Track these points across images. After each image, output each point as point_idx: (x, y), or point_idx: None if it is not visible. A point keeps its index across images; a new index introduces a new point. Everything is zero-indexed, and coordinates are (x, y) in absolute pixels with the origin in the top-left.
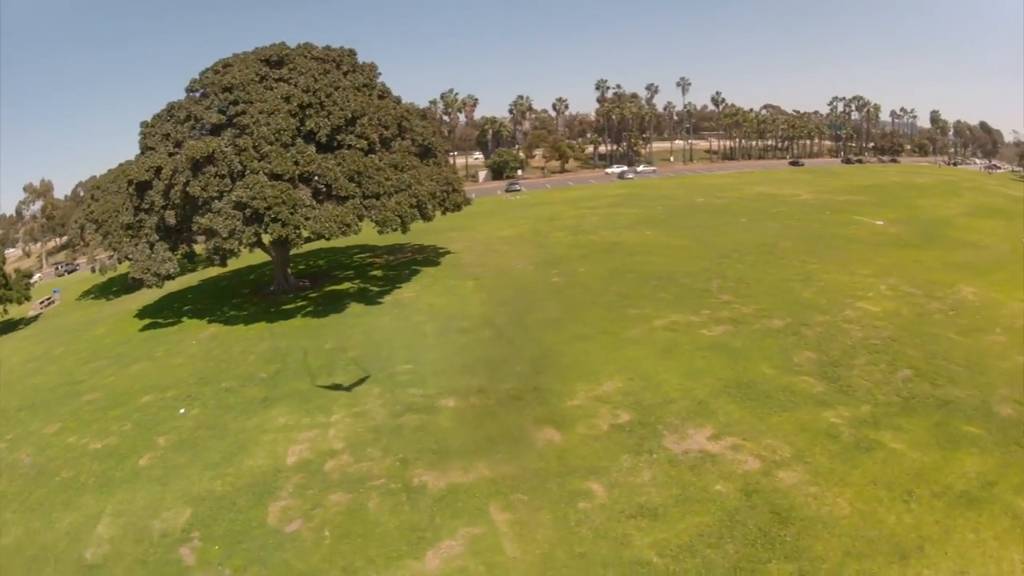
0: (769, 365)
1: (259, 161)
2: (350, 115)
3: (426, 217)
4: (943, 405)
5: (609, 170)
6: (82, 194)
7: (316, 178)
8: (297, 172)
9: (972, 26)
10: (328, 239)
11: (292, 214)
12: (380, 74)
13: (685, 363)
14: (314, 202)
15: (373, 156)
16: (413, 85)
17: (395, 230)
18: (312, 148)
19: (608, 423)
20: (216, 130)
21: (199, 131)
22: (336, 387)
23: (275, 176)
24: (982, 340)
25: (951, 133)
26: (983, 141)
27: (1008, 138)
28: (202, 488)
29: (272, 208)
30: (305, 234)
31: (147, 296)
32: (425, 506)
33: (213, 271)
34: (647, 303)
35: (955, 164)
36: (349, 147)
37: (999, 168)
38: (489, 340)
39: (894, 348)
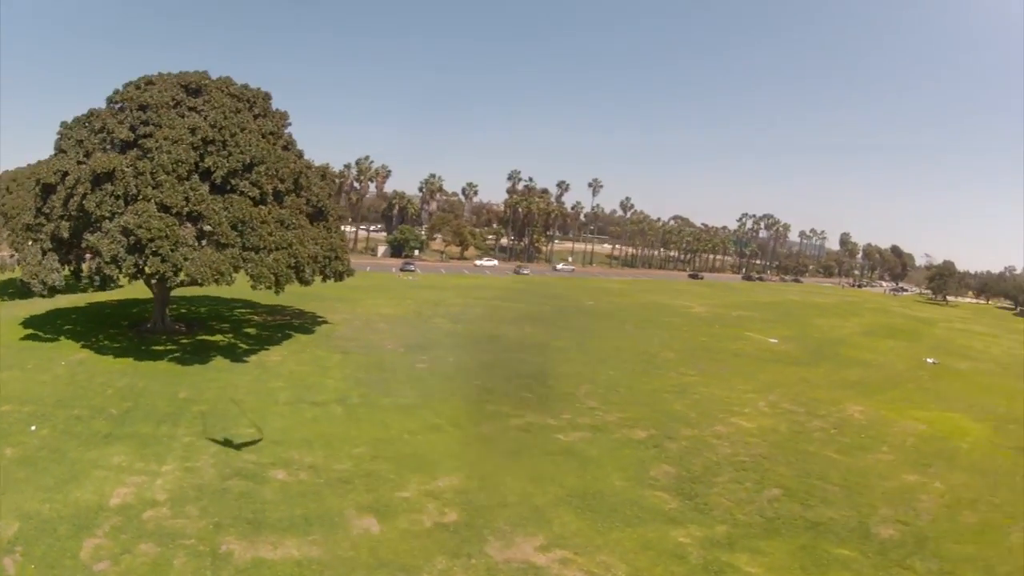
0: (621, 477)
1: (153, 189)
2: (249, 160)
3: (303, 281)
4: (813, 527)
5: (479, 262)
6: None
7: (203, 219)
8: (187, 209)
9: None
10: (201, 285)
11: (172, 251)
12: (290, 123)
13: (531, 467)
14: (196, 243)
15: (263, 208)
16: (326, 146)
17: (268, 288)
18: (206, 187)
19: (433, 520)
20: (124, 147)
21: (109, 145)
22: (225, 443)
23: (165, 208)
24: (864, 459)
25: (860, 255)
26: (892, 264)
27: (919, 261)
28: (32, 507)
29: (155, 240)
30: (182, 276)
31: (38, 306)
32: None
33: (102, 296)
34: (508, 401)
35: (860, 286)
36: (241, 193)
37: (906, 291)
38: (337, 417)
39: (764, 466)
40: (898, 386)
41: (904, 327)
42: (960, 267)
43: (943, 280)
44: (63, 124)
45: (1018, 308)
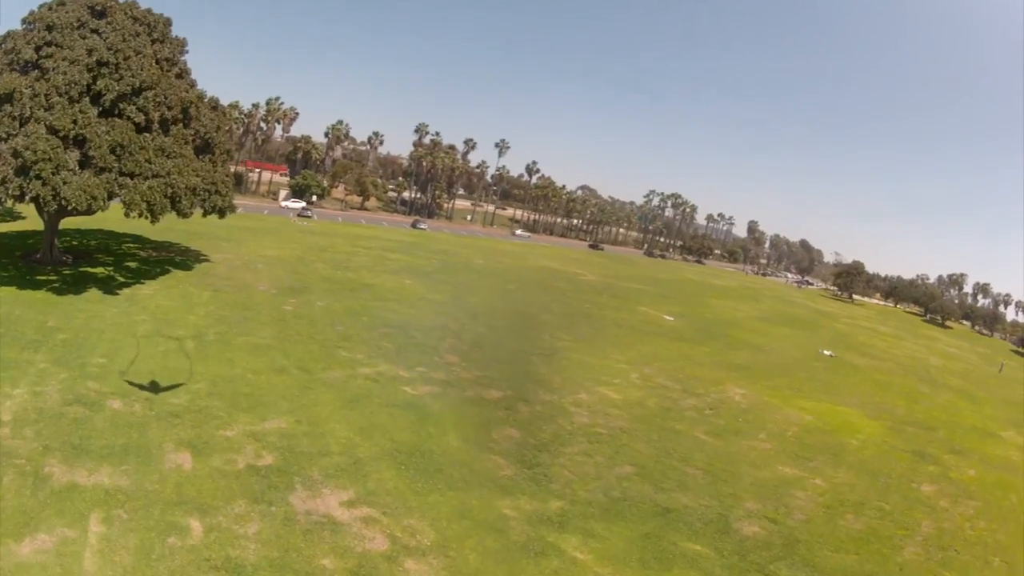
0: (459, 437)
1: (45, 111)
2: (138, 84)
3: (180, 212)
4: (663, 513)
5: (284, 203)
6: None
7: (87, 143)
8: (73, 132)
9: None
10: (89, 213)
11: (54, 175)
12: (187, 51)
13: (366, 417)
14: (78, 168)
15: (146, 135)
16: (237, 85)
17: (141, 216)
18: (95, 111)
19: (247, 462)
20: (27, 68)
21: (16, 65)
22: (142, 387)
23: (53, 131)
24: (738, 444)
25: (767, 244)
26: (800, 257)
27: (828, 259)
28: None
29: (39, 163)
30: (59, 199)
31: None
32: (43, 496)
33: (3, 226)
34: (364, 348)
35: (764, 274)
36: (125, 118)
37: (811, 284)
38: (188, 352)
39: (621, 440)
40: (788, 373)
41: (803, 317)
42: (870, 270)
43: (850, 278)
44: None
45: (928, 315)
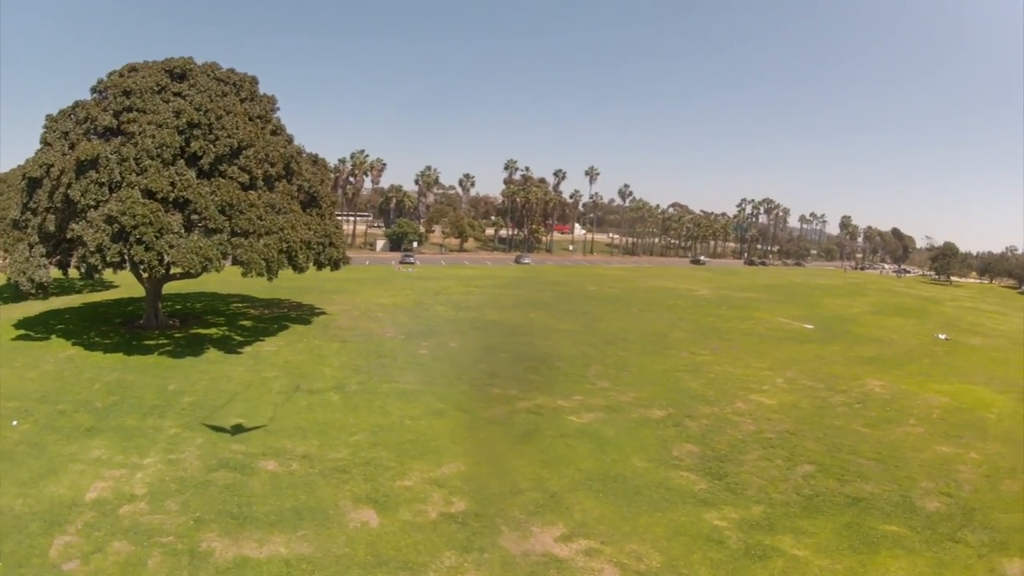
0: (642, 458)
1: (137, 175)
2: (236, 144)
3: (296, 267)
4: (854, 503)
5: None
6: None
7: (190, 205)
8: (172, 195)
9: (890, 133)
10: (194, 276)
11: (157, 238)
12: (278, 108)
13: (543, 450)
14: (183, 231)
15: (252, 192)
16: (322, 138)
17: (259, 274)
18: (192, 173)
19: (438, 511)
20: (107, 135)
21: (93, 133)
22: (222, 429)
23: (150, 194)
24: (894, 432)
25: (861, 239)
26: (893, 247)
27: (920, 244)
28: (4, 503)
29: (139, 228)
30: (167, 262)
31: (31, 308)
32: None
33: (97, 296)
34: (514, 384)
35: (862, 268)
36: (229, 178)
37: (908, 272)
38: (334, 405)
39: (791, 442)
40: (914, 361)
41: (912, 306)
42: (961, 249)
43: (946, 261)
44: (48, 117)
45: (1022, 287)
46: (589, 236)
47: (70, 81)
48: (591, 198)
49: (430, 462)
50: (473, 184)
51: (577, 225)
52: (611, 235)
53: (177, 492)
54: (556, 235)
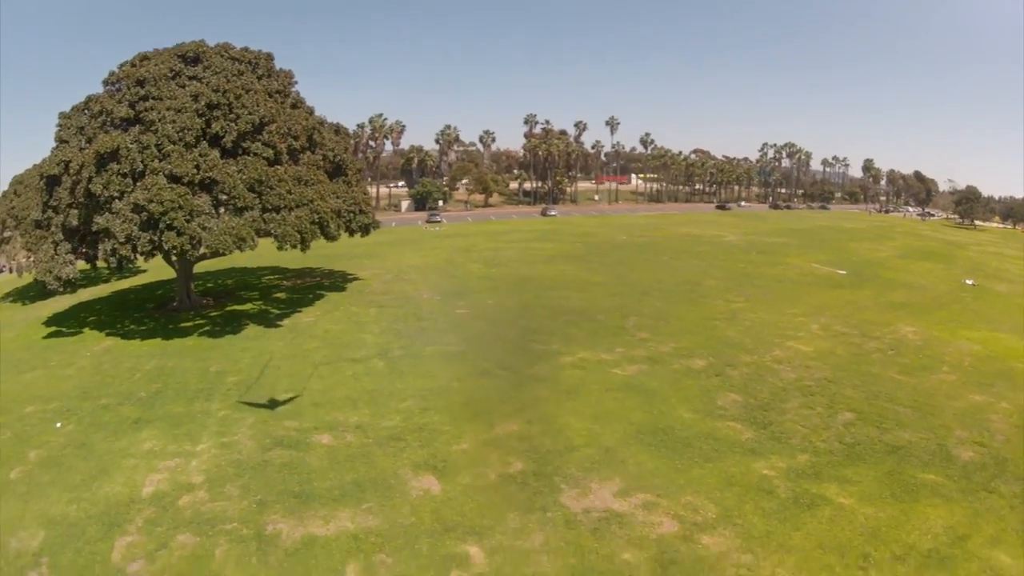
0: (688, 408)
1: (160, 161)
2: (258, 121)
3: (329, 236)
4: (893, 451)
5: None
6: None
7: (217, 186)
8: (198, 177)
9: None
10: (224, 255)
11: (188, 222)
12: (296, 82)
13: (592, 405)
14: (213, 211)
15: (278, 167)
16: (340, 107)
17: (294, 247)
18: (216, 153)
19: (497, 472)
20: (124, 125)
21: (109, 126)
22: (259, 405)
23: (175, 179)
24: (929, 379)
25: (884, 181)
26: (916, 190)
27: (943, 187)
28: (58, 511)
29: (168, 214)
30: (202, 247)
31: (59, 303)
32: (275, 560)
33: (126, 283)
34: (556, 339)
35: (887, 211)
36: (254, 155)
37: (933, 215)
38: (379, 372)
39: (831, 389)
40: (943, 307)
41: (938, 250)
42: (983, 193)
43: (969, 205)
44: (61, 115)
45: None
46: (613, 186)
47: (67, 83)
48: (613, 147)
49: (483, 423)
50: (494, 140)
51: (633, 175)
52: (636, 184)
53: (235, 476)
54: (580, 185)
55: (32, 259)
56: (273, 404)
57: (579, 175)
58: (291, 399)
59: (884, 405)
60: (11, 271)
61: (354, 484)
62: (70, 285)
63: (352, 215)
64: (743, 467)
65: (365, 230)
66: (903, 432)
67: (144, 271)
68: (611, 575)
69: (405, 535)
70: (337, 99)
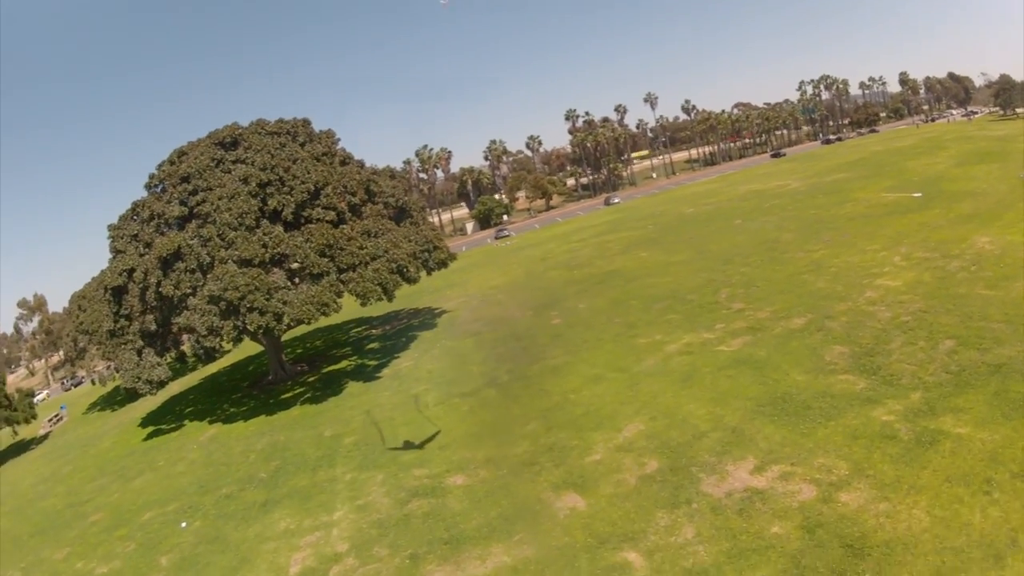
0: (800, 371)
1: (226, 249)
2: (313, 187)
3: (409, 280)
4: (996, 371)
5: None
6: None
7: (288, 259)
8: (267, 255)
9: None
10: (308, 323)
11: (268, 300)
12: (339, 140)
13: (709, 388)
14: (289, 284)
15: (343, 227)
16: (382, 150)
17: (379, 300)
18: (279, 228)
19: (635, 475)
20: (180, 223)
21: (164, 227)
22: (409, 446)
23: (245, 262)
24: (1014, 289)
25: (923, 91)
26: (955, 91)
27: (978, 82)
28: None
29: (246, 297)
30: (286, 321)
31: (150, 402)
32: None
33: (213, 367)
34: (656, 329)
35: (932, 120)
36: (317, 221)
37: (976, 113)
38: (494, 401)
39: (928, 320)
40: (1010, 209)
41: (990, 149)
42: (1016, 79)
43: (1008, 94)
44: (111, 226)
45: None
46: (667, 159)
47: None
48: (657, 122)
49: (609, 430)
50: (540, 144)
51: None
52: (689, 152)
53: (380, 536)
54: (635, 166)
55: (111, 367)
56: (421, 445)
57: (632, 157)
58: (435, 435)
59: (979, 324)
60: (92, 382)
61: (500, 518)
62: (161, 386)
63: (427, 254)
64: (863, 417)
65: (443, 264)
66: (1002, 349)
67: (228, 351)
68: (764, 551)
69: (563, 556)
70: (368, 140)
